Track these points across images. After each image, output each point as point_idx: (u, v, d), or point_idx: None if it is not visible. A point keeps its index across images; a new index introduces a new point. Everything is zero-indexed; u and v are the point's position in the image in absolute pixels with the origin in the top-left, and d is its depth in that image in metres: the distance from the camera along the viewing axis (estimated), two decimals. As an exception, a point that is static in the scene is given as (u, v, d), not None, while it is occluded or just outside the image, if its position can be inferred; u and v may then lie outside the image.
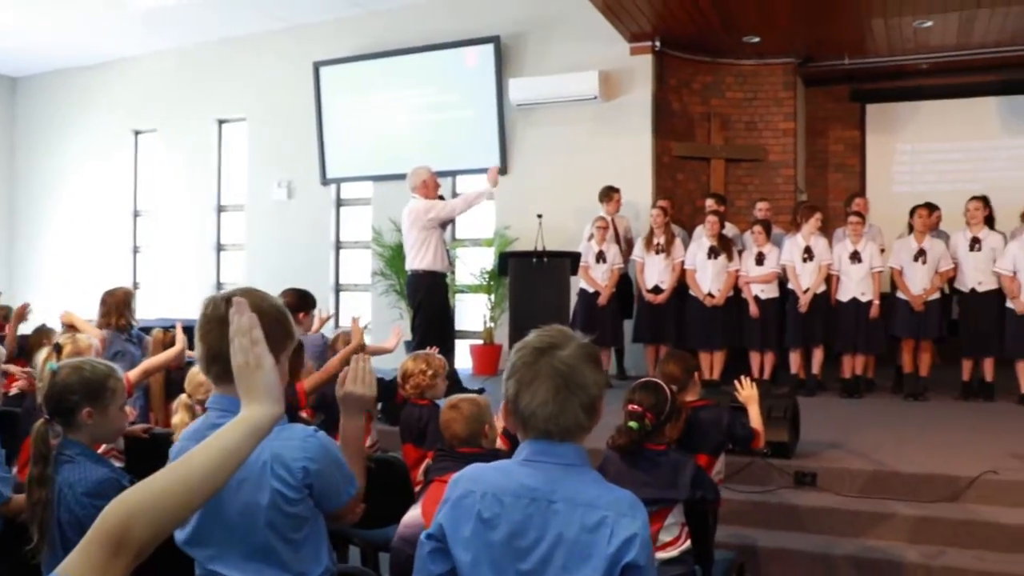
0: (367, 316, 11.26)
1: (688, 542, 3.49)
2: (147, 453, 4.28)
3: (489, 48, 10.29)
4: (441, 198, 7.92)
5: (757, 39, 9.72)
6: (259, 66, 11.87)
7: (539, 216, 8.21)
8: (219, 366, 2.19)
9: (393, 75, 10.92)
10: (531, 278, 7.60)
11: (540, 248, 7.96)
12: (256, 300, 2.14)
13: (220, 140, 12.66)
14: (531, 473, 1.93)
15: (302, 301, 5.88)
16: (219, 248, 12.71)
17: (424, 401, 4.60)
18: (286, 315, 2.34)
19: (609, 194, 8.94)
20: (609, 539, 1.82)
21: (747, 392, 4.34)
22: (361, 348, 5.06)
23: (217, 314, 2.20)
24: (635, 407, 3.43)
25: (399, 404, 4.91)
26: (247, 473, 2.17)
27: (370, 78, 11.09)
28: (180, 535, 2.27)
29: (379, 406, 6.03)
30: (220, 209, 12.69)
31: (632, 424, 3.40)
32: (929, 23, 9.21)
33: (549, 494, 1.89)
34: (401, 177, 10.41)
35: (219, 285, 12.53)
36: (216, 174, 12.65)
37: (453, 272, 10.03)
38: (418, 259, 7.62)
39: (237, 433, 1.55)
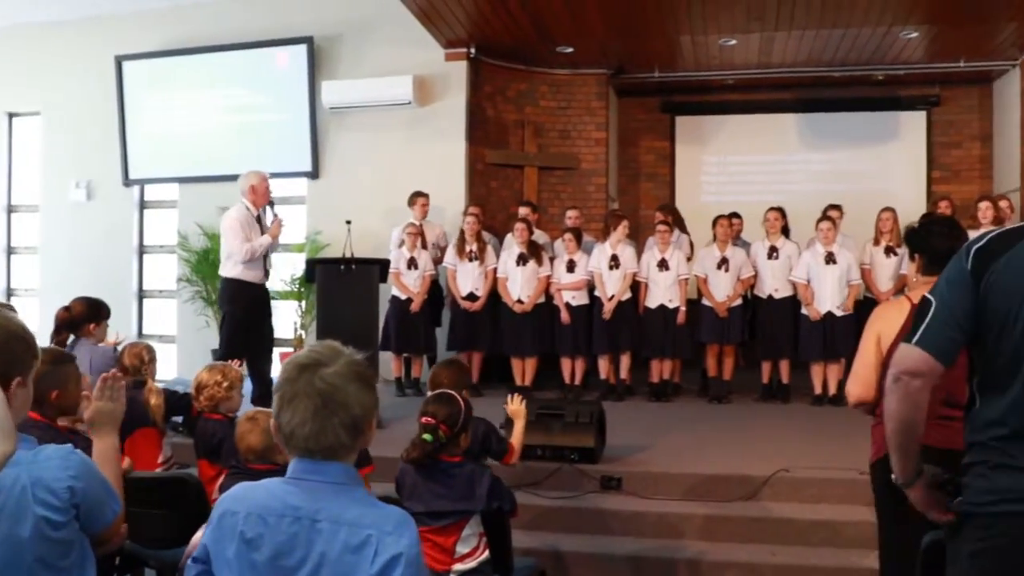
0: (172, 324, 10.79)
1: (487, 552, 3.48)
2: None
3: (302, 49, 10.02)
4: (272, 204, 7.55)
5: (571, 49, 9.86)
6: (56, 57, 11.09)
7: (348, 222, 8.06)
8: None
9: (201, 73, 10.47)
10: (339, 285, 7.42)
11: (349, 255, 7.80)
12: None
13: (11, 135, 11.84)
14: (296, 492, 1.86)
15: (93, 311, 5.57)
16: (9, 251, 11.89)
17: (218, 415, 4.41)
18: (30, 334, 2.24)
19: (415, 199, 8.87)
20: (373, 559, 1.77)
21: (514, 407, 4.48)
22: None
23: None
24: (428, 419, 3.40)
25: (194, 417, 4.70)
26: (3, 504, 2.08)
27: (177, 75, 10.59)
28: None
29: (180, 419, 5.78)
30: (11, 209, 11.87)
31: (426, 436, 3.37)
32: (733, 41, 9.60)
33: (313, 513, 1.82)
34: (209, 179, 10.15)
35: (9, 291, 11.73)
36: (6, 172, 11.82)
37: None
38: (228, 266, 7.34)
39: None
